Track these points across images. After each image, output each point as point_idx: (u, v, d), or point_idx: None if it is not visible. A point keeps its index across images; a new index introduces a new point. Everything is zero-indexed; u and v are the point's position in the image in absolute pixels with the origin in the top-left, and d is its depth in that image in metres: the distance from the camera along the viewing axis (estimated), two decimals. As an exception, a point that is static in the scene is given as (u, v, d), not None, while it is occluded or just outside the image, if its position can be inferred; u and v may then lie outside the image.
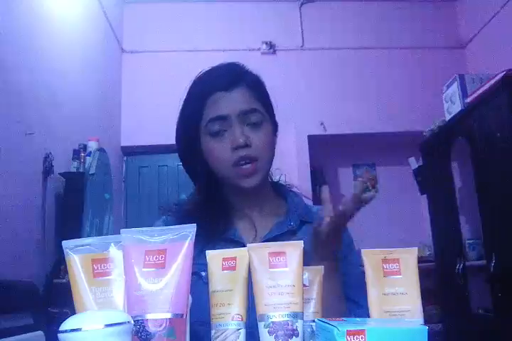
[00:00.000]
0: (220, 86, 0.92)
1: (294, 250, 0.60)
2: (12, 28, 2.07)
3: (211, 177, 0.96)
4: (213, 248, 0.91)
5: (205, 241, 0.83)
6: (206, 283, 0.68)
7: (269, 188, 1.01)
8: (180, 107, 0.97)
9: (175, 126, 0.99)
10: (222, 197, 0.97)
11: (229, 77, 0.93)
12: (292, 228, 0.93)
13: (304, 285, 0.62)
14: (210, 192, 0.97)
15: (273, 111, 0.99)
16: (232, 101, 0.91)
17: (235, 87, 0.92)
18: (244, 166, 0.89)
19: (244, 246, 0.92)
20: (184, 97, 0.97)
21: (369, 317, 0.60)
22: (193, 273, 0.73)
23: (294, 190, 1.04)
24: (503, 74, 2.43)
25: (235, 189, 0.94)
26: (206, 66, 0.97)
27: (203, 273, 0.85)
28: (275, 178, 1.04)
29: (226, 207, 0.97)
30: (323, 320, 0.52)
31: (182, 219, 0.93)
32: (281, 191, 1.02)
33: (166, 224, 0.88)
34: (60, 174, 2.46)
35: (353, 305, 0.86)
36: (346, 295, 0.87)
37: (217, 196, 0.97)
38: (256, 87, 0.96)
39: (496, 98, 2.48)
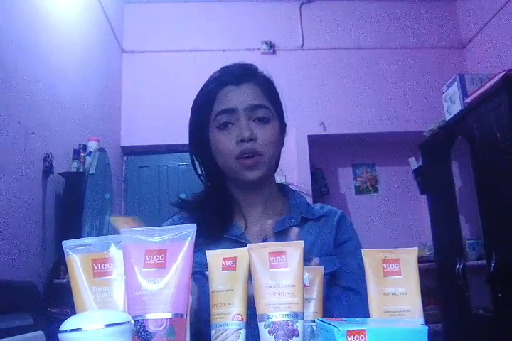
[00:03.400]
0: (231, 81, 0.94)
1: (294, 250, 0.59)
2: (12, 28, 2.07)
3: (218, 173, 0.97)
4: (216, 247, 0.92)
5: (207, 240, 0.83)
6: None
7: (275, 188, 1.01)
8: (193, 103, 0.99)
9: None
10: (227, 194, 0.97)
11: (240, 73, 0.95)
12: (293, 224, 0.92)
13: (304, 285, 0.62)
14: (215, 189, 0.98)
15: (282, 112, 1.00)
16: (240, 95, 0.93)
17: (245, 83, 0.94)
18: (246, 159, 0.90)
19: (246, 245, 0.93)
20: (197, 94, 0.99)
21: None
22: (198, 273, 0.73)
23: (295, 188, 1.05)
24: (503, 74, 2.43)
25: (239, 183, 0.95)
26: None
27: (207, 273, 0.85)
28: (278, 179, 1.04)
29: (231, 204, 0.96)
30: (324, 319, 0.52)
31: (188, 219, 0.94)
32: (285, 191, 1.02)
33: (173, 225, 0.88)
34: (60, 174, 2.46)
35: (353, 295, 0.87)
36: (345, 283, 0.88)
37: (222, 193, 0.97)
38: (266, 85, 0.98)
39: (495, 98, 2.48)
